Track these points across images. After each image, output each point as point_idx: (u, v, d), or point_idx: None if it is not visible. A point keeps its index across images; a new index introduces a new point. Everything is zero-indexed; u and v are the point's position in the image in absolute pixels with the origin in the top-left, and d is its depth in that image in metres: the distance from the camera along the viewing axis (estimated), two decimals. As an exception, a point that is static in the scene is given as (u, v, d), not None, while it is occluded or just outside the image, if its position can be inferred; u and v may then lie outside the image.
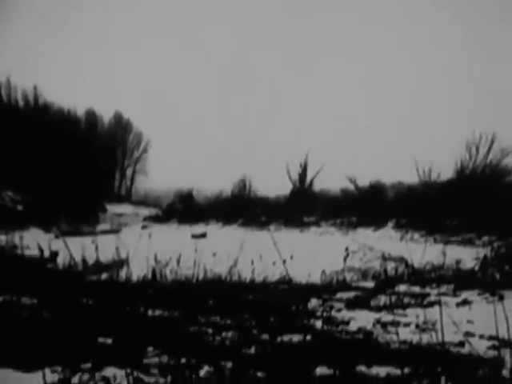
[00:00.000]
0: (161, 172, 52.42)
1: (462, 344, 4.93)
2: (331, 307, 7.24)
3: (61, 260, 10.09)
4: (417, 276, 9.99)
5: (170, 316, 5.98)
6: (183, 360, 4.12)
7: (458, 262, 12.10)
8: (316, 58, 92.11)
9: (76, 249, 8.36)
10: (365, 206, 29.66)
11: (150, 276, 8.84)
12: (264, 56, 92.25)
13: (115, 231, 27.38)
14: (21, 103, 37.70)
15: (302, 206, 34.19)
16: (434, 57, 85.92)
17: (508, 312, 3.40)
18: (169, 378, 3.75)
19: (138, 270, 8.59)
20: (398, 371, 3.98)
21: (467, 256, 13.62)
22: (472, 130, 28.32)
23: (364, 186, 33.69)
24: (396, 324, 6.02)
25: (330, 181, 37.36)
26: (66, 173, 29.96)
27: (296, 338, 5.08)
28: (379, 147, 59.71)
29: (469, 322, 6.06)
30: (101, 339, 4.63)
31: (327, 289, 9.01)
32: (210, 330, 5.36)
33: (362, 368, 4.09)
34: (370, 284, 9.66)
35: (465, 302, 7.40)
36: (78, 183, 31.21)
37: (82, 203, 31.49)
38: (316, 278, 10.12)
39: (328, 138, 65.25)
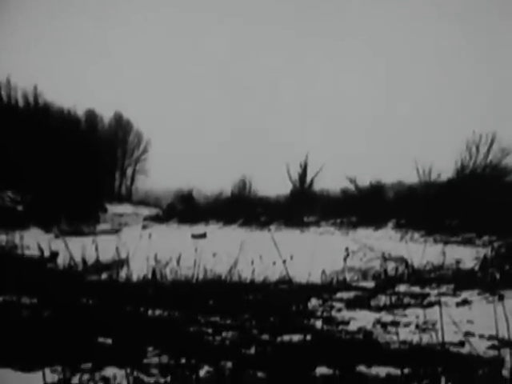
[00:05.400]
0: (161, 172, 52.51)
1: (462, 344, 4.92)
2: (331, 307, 7.25)
3: (61, 260, 10.09)
4: (417, 276, 10.01)
5: (170, 316, 5.97)
6: (183, 360, 4.12)
7: (457, 261, 12.14)
8: (317, 59, 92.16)
9: (76, 249, 8.32)
10: (365, 206, 29.65)
11: (150, 276, 8.83)
12: (265, 56, 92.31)
13: (115, 231, 27.48)
14: (21, 103, 37.69)
15: (302, 206, 34.19)
16: (434, 57, 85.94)
17: (508, 312, 3.40)
18: (169, 378, 3.75)
19: (138, 269, 8.57)
20: (397, 371, 3.98)
21: (467, 256, 13.61)
22: (472, 129, 28.38)
23: (364, 186, 33.73)
24: (396, 324, 6.03)
25: (330, 181, 37.50)
26: (66, 173, 29.98)
27: (296, 337, 5.07)
28: (379, 147, 59.84)
29: (469, 321, 6.05)
30: (101, 339, 4.62)
31: (327, 289, 9.01)
32: (210, 330, 5.37)
33: (362, 368, 4.09)
34: (370, 284, 9.67)
35: (465, 302, 7.40)
36: (78, 183, 31.23)
37: (83, 203, 31.52)
38: (316, 278, 10.12)
39: (328, 138, 65.39)
